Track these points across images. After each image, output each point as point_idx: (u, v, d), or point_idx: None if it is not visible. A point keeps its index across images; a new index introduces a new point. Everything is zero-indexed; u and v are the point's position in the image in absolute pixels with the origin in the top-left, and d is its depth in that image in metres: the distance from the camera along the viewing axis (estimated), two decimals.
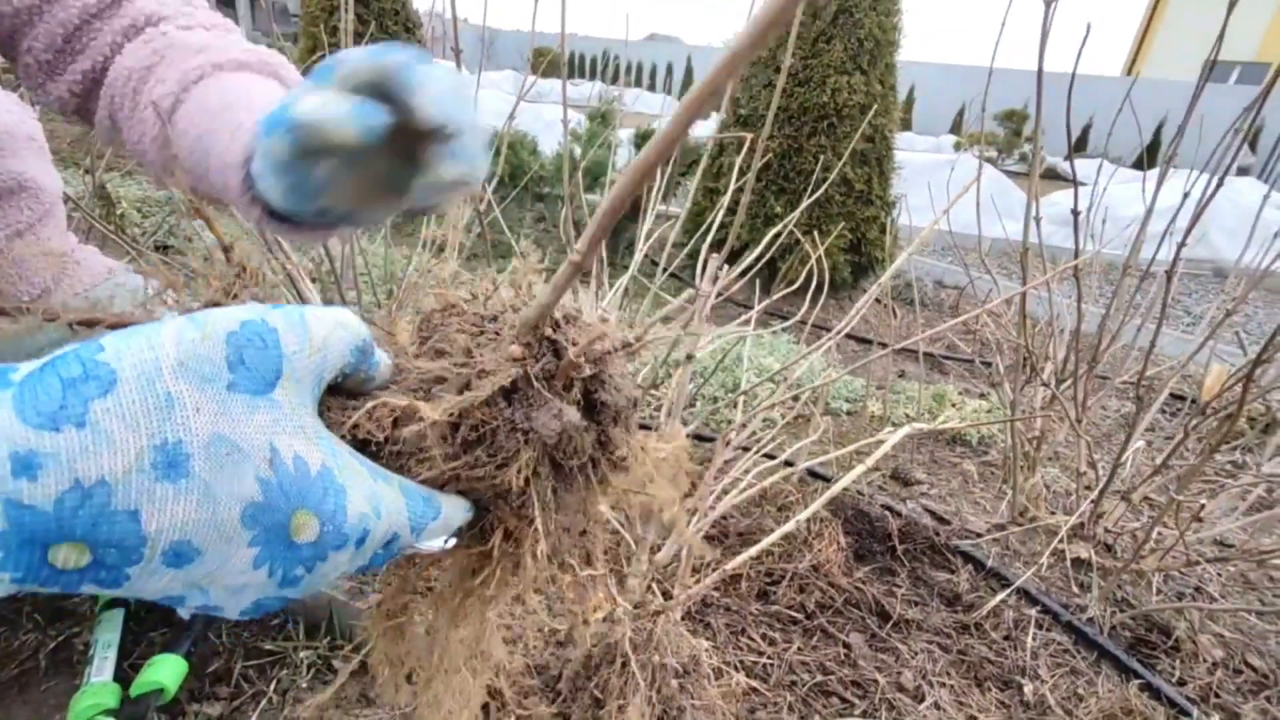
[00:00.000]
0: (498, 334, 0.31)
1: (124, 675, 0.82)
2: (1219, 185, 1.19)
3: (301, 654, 0.92)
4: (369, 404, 0.28)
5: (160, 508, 0.22)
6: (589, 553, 0.35)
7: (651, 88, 17.78)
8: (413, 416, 0.28)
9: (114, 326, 0.28)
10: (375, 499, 0.27)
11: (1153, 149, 9.26)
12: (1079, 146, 10.95)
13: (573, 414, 0.31)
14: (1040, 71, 1.08)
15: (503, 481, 0.30)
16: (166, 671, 0.79)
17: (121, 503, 0.22)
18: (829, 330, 1.10)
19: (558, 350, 0.31)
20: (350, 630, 0.94)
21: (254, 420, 0.24)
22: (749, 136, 1.27)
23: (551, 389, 0.31)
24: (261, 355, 0.25)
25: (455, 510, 0.31)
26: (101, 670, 0.79)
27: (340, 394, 0.29)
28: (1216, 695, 1.08)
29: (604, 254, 1.48)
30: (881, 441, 0.92)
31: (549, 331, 0.31)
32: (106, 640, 0.82)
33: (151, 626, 0.92)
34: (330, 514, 0.26)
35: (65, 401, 0.22)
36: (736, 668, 0.98)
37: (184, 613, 0.27)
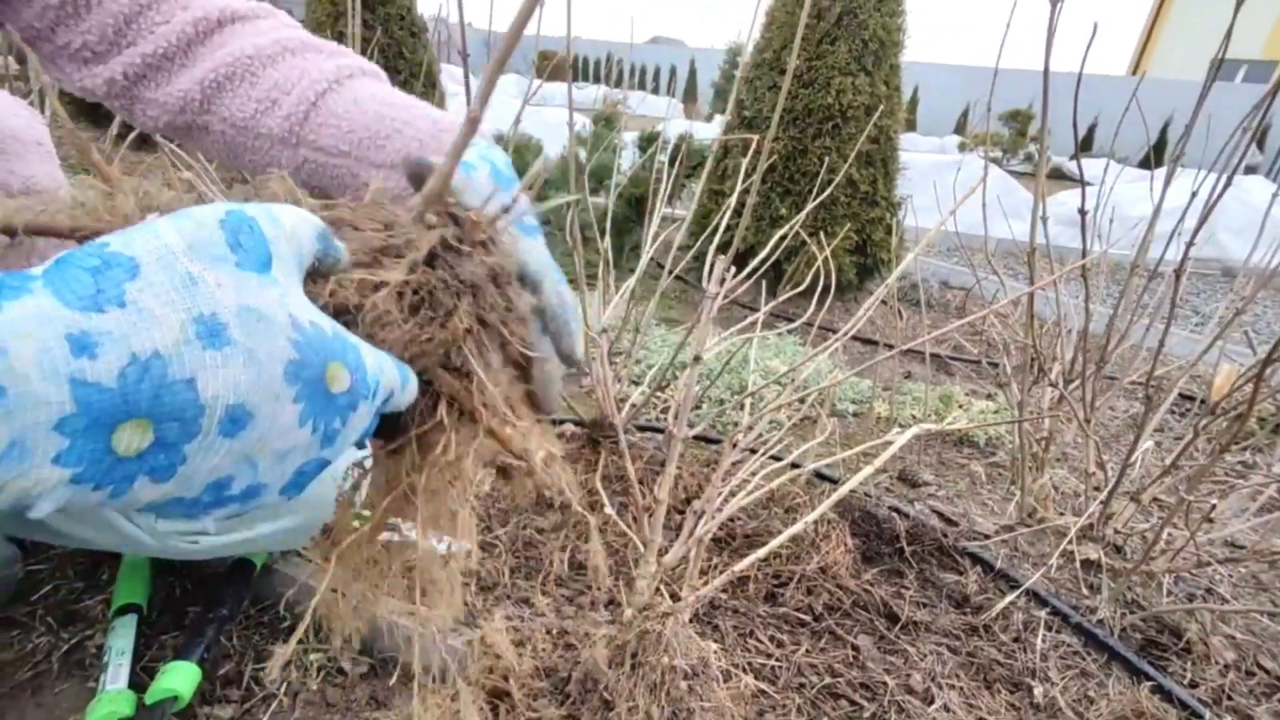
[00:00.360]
0: (398, 227, 0.36)
1: (137, 680, 0.82)
2: (1227, 184, 1.18)
3: (312, 656, 0.92)
4: (340, 276, 0.32)
5: (213, 373, 0.24)
6: (515, 405, 0.39)
7: (655, 90, 17.83)
8: (372, 285, 0.32)
9: (81, 238, 0.29)
10: (374, 356, 0.30)
11: (1159, 148, 9.22)
12: (1085, 146, 10.92)
13: (491, 259, 0.37)
14: (1046, 72, 1.08)
15: (449, 337, 0.34)
16: (181, 678, 0.79)
17: (177, 372, 0.23)
18: (835, 332, 1.10)
19: (458, 220, 0.36)
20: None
21: (267, 293, 0.26)
22: (754, 139, 1.28)
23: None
24: (251, 239, 0.26)
25: (413, 377, 0.34)
26: (116, 677, 0.80)
27: (309, 280, 0.32)
28: (1229, 698, 1.07)
29: (609, 256, 1.49)
30: (889, 443, 0.92)
31: (448, 205, 0.36)
32: (120, 647, 0.83)
33: (164, 630, 0.92)
34: (355, 364, 0.28)
35: (99, 286, 0.22)
36: (745, 670, 0.98)
37: (211, 524, 0.29)
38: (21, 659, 0.87)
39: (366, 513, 0.42)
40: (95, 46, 0.53)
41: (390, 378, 0.31)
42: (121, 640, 0.84)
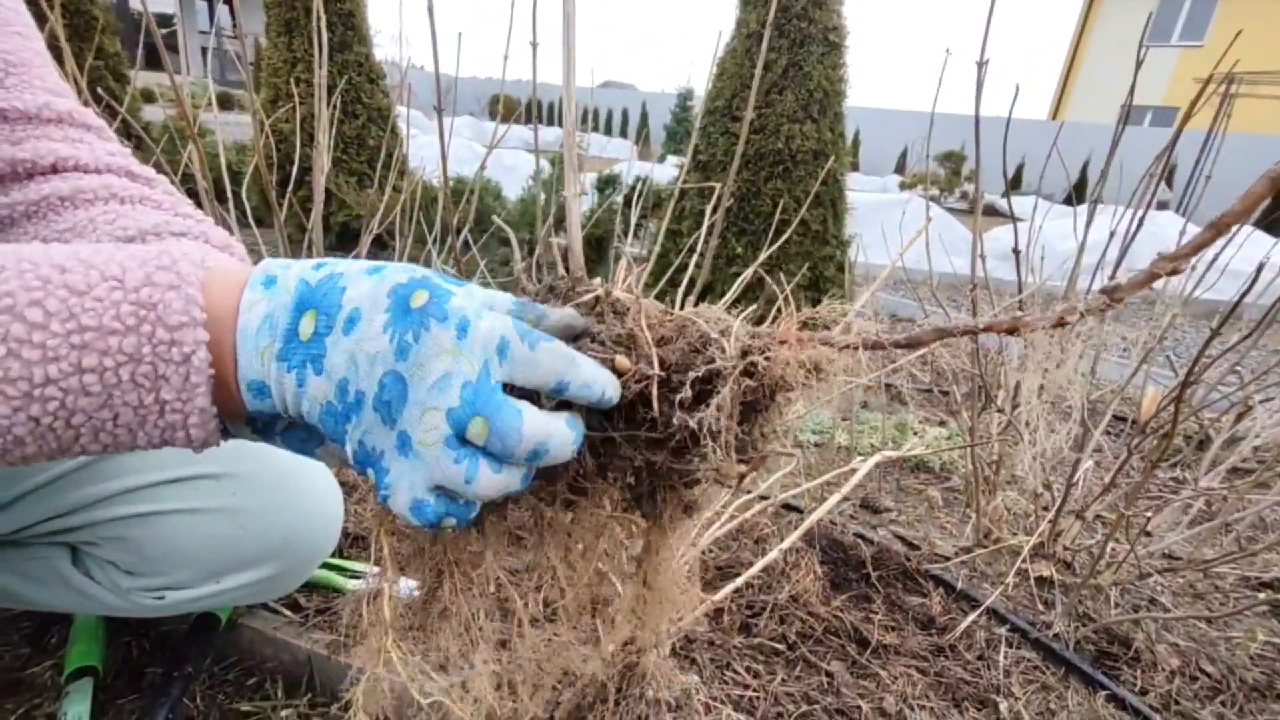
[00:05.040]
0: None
1: None
2: (1140, 223, 1.30)
3: (282, 713, 0.89)
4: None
5: (357, 285, 0.35)
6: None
7: (607, 131, 18.25)
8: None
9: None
10: (490, 317, 0.37)
11: (1080, 186, 9.90)
12: (1014, 184, 11.64)
13: None
14: (977, 124, 1.18)
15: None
16: None
17: (342, 282, 0.36)
18: None
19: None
20: (331, 687, 0.92)
21: (427, 269, 0.37)
22: (712, 186, 1.34)
23: None
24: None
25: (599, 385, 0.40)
26: None
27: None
28: (1176, 702, 1.13)
29: None
30: (854, 471, 0.97)
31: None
32: (77, 713, 0.79)
33: (121, 694, 0.88)
34: (438, 294, 0.35)
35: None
36: (724, 702, 0.99)
37: (321, 453, 0.42)
38: None
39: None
40: None
41: (501, 329, 0.35)
42: (77, 706, 0.80)
